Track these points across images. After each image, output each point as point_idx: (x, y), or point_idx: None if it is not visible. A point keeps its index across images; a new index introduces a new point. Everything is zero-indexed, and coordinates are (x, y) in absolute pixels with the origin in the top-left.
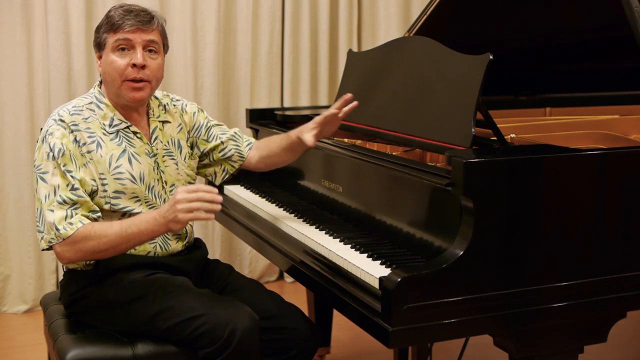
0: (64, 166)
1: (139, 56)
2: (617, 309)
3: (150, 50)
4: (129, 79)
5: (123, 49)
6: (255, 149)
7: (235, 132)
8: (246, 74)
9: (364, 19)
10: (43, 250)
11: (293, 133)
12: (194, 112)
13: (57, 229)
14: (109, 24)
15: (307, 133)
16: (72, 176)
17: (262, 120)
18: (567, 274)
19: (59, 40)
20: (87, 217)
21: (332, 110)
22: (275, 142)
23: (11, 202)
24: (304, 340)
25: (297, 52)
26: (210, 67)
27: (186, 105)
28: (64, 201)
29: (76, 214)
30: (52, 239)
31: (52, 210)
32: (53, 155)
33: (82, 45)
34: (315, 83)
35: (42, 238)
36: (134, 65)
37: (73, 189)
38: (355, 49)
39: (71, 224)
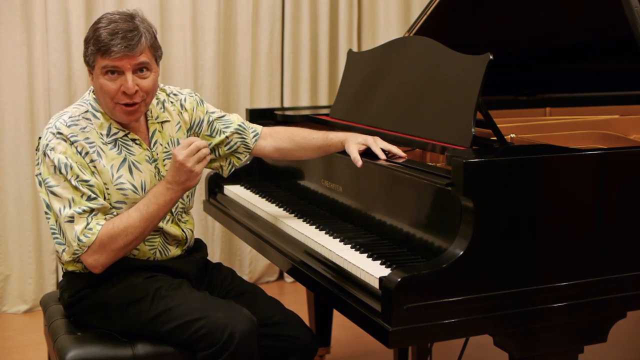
0: (75, 179)
1: (129, 84)
2: (617, 309)
3: (141, 70)
4: (121, 103)
5: (113, 73)
6: (269, 138)
7: (240, 124)
8: (246, 74)
9: (364, 19)
10: (67, 261)
11: (334, 137)
12: (193, 108)
13: (80, 240)
14: (96, 46)
15: (354, 146)
16: (89, 185)
17: (262, 120)
18: (567, 274)
19: (59, 40)
20: (104, 219)
21: (381, 155)
22: (307, 140)
23: (11, 202)
24: (304, 348)
25: (297, 52)
26: (210, 67)
27: (184, 99)
28: (84, 211)
29: (93, 220)
30: (77, 250)
31: (72, 222)
32: (60, 170)
33: (82, 46)
34: (315, 83)
35: (64, 251)
36: (124, 92)
37: (89, 199)
38: (355, 49)
39: (90, 229)
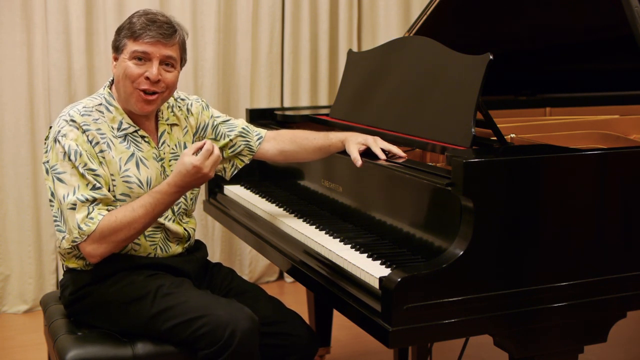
0: (83, 166)
1: (154, 70)
2: (617, 309)
3: (167, 64)
4: (140, 89)
5: (140, 59)
6: (273, 141)
7: (244, 127)
8: (246, 74)
9: (364, 19)
10: (65, 249)
11: (335, 137)
12: (199, 112)
13: (80, 228)
14: (130, 30)
15: (354, 146)
16: (95, 174)
17: (262, 120)
18: (567, 274)
19: (59, 40)
20: (106, 209)
21: (381, 155)
22: (309, 140)
23: (11, 202)
24: (304, 347)
25: (297, 52)
26: (210, 67)
27: (191, 104)
28: (86, 199)
29: (95, 210)
30: (76, 238)
31: (74, 209)
32: (69, 156)
33: (82, 46)
34: (315, 83)
35: (63, 238)
36: (147, 78)
37: (94, 188)
38: (355, 49)
39: (92, 219)
